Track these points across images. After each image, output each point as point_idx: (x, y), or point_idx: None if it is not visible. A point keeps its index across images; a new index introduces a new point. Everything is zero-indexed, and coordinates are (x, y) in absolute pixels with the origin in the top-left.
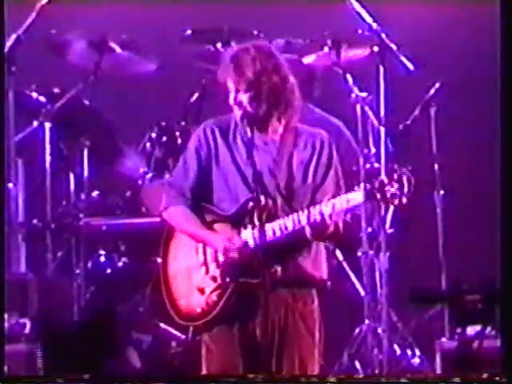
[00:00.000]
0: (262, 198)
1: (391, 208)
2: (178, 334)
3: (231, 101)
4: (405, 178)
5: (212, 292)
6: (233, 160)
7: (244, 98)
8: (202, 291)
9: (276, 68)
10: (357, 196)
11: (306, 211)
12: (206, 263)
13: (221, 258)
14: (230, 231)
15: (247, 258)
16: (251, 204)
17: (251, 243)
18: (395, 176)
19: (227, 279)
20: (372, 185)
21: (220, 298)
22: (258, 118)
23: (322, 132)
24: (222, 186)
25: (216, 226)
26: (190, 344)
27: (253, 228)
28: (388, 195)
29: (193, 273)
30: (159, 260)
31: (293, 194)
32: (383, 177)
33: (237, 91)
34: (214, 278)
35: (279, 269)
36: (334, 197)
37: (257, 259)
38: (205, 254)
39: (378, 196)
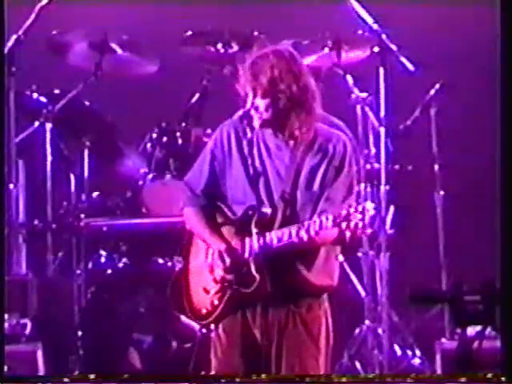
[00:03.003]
0: (262, 207)
1: (391, 208)
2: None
3: (248, 105)
4: (366, 210)
5: (215, 294)
6: (244, 163)
7: (261, 104)
8: (207, 292)
9: (296, 75)
10: (328, 221)
11: (295, 226)
12: (212, 265)
13: (219, 261)
14: (234, 235)
15: (241, 265)
16: (250, 212)
17: (247, 251)
18: (360, 208)
19: (225, 283)
20: (339, 214)
21: (220, 301)
22: (274, 124)
23: (339, 134)
24: (233, 188)
25: (224, 228)
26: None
27: (249, 236)
28: (352, 225)
29: (203, 272)
30: (179, 258)
31: (296, 200)
32: (351, 209)
33: (254, 96)
34: (215, 281)
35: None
36: (341, 203)
37: (248, 268)
38: (212, 254)
39: (344, 225)
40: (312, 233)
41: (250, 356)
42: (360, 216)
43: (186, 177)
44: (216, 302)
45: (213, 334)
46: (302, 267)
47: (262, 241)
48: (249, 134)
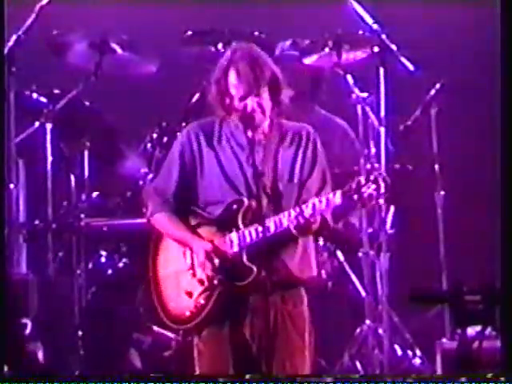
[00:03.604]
0: (246, 200)
1: (392, 208)
2: (171, 335)
3: (225, 104)
4: (381, 179)
5: (200, 295)
6: (218, 162)
7: (236, 102)
8: (189, 294)
9: (267, 68)
10: (336, 197)
11: (286, 213)
12: (193, 267)
13: (206, 262)
14: (214, 234)
15: (231, 260)
16: (235, 206)
17: (235, 245)
18: (372, 177)
19: (214, 282)
20: (349, 186)
21: (208, 300)
22: (246, 121)
23: (306, 126)
24: (208, 189)
25: (201, 229)
26: (182, 346)
27: (237, 230)
28: (365, 196)
29: (181, 276)
30: (149, 263)
31: (279, 193)
32: (361, 178)
33: (231, 95)
34: (201, 281)
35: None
36: (319, 192)
37: (241, 261)
38: (192, 257)
39: (355, 197)
40: (308, 213)
41: (240, 355)
42: (374, 186)
43: (153, 183)
44: (202, 302)
45: (195, 337)
46: (287, 258)
47: (254, 232)
48: (220, 133)
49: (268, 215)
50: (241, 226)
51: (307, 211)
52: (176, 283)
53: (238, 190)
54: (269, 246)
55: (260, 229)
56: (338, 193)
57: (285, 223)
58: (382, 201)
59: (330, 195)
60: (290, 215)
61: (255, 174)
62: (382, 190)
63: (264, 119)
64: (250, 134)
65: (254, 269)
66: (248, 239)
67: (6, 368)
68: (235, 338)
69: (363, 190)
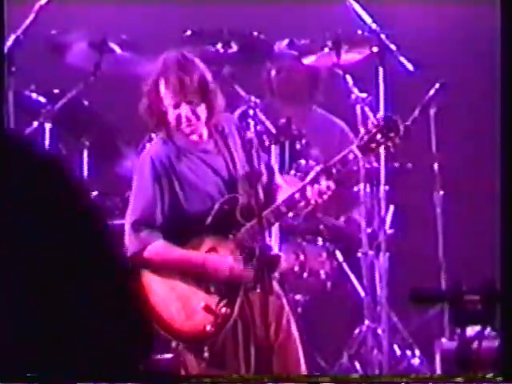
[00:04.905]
0: (239, 196)
1: (391, 208)
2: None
3: (172, 115)
4: (390, 122)
5: (219, 304)
6: (193, 173)
7: (187, 110)
8: (208, 309)
9: (196, 73)
10: (351, 153)
11: (300, 185)
12: (203, 282)
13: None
14: (218, 240)
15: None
16: (226, 207)
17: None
18: (381, 123)
19: (232, 291)
20: (361, 137)
21: (232, 305)
22: (197, 126)
23: (227, 114)
24: (191, 199)
25: (204, 241)
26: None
27: (238, 229)
28: (382, 140)
29: (192, 295)
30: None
31: (256, 181)
32: (370, 127)
33: (177, 106)
34: (219, 293)
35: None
36: (270, 172)
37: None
38: (200, 274)
39: (373, 145)
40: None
41: (250, 358)
42: (385, 130)
43: (131, 218)
44: (225, 310)
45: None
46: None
47: (273, 217)
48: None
49: (259, 206)
50: (241, 222)
51: (323, 180)
52: (186, 304)
53: (221, 191)
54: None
55: (271, 216)
56: (354, 147)
57: (309, 194)
58: (397, 140)
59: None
60: (304, 189)
61: (228, 173)
62: (395, 129)
63: (200, 125)
64: (207, 137)
65: (282, 254)
66: (262, 233)
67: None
68: (248, 341)
69: (377, 137)
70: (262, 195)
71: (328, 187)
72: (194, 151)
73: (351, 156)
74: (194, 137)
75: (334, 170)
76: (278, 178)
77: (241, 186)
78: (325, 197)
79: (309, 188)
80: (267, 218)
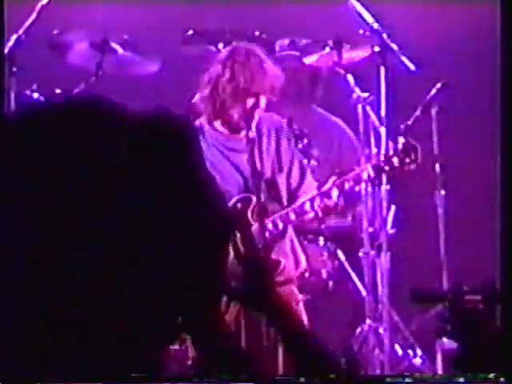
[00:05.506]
0: (253, 196)
1: (392, 208)
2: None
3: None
4: (409, 146)
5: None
6: (214, 169)
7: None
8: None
9: (266, 72)
10: (365, 172)
11: (307, 198)
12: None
13: None
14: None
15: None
16: (240, 205)
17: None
18: (400, 146)
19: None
20: (378, 159)
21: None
22: (237, 121)
23: (275, 116)
24: None
25: None
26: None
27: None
28: (396, 165)
29: None
30: None
31: (276, 185)
32: (387, 150)
33: (224, 96)
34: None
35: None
36: (301, 180)
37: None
38: None
39: (387, 168)
40: (335, 194)
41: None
42: (403, 154)
43: None
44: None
45: None
46: (281, 254)
47: (281, 222)
48: (205, 138)
49: (272, 210)
50: (252, 222)
51: (334, 192)
52: None
53: (238, 192)
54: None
55: (278, 221)
56: (369, 166)
57: (307, 208)
58: (413, 166)
59: (352, 174)
60: (313, 200)
61: (253, 172)
62: (413, 157)
63: (252, 120)
64: (237, 134)
65: (282, 260)
66: (267, 234)
67: None
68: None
69: (393, 160)
70: (284, 199)
71: (336, 205)
72: (223, 148)
73: (365, 175)
74: (239, 133)
75: (346, 186)
76: (308, 187)
77: (262, 188)
78: (331, 215)
79: (318, 199)
80: (274, 222)
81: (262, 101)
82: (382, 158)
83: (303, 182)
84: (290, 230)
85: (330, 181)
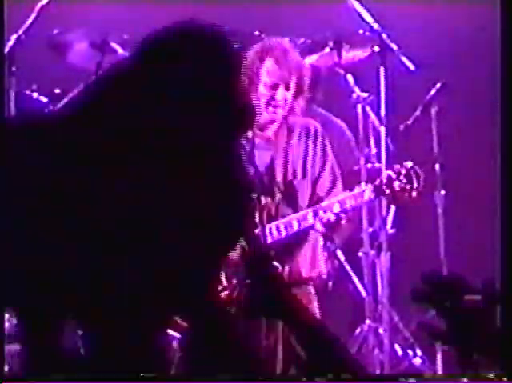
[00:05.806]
0: (263, 198)
1: (392, 208)
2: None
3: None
4: (412, 173)
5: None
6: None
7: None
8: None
9: (299, 65)
10: (366, 192)
11: (311, 211)
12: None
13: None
14: None
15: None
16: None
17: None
18: (403, 171)
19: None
20: (380, 181)
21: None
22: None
23: (312, 121)
24: None
25: None
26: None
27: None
28: (397, 189)
29: None
30: None
31: (293, 190)
32: (390, 172)
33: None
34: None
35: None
36: (331, 188)
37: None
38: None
39: (387, 192)
40: (337, 209)
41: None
42: (405, 180)
43: None
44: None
45: None
46: (300, 256)
47: (275, 230)
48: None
49: (284, 213)
50: (257, 224)
51: (335, 208)
52: None
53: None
54: (284, 244)
55: (282, 226)
56: (369, 188)
57: (310, 220)
58: (414, 194)
59: (357, 191)
60: (316, 213)
61: (268, 171)
62: (415, 184)
63: (283, 113)
64: (264, 132)
65: (280, 267)
66: (269, 238)
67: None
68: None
69: (395, 184)
70: (303, 205)
71: (337, 221)
72: (247, 143)
73: (366, 195)
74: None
75: (347, 205)
76: (336, 197)
77: (278, 191)
78: (331, 228)
79: (321, 212)
80: (278, 228)
81: (289, 95)
82: (384, 179)
83: (331, 192)
84: (312, 232)
85: (334, 198)
